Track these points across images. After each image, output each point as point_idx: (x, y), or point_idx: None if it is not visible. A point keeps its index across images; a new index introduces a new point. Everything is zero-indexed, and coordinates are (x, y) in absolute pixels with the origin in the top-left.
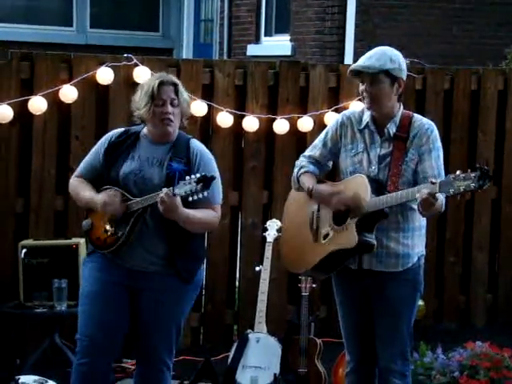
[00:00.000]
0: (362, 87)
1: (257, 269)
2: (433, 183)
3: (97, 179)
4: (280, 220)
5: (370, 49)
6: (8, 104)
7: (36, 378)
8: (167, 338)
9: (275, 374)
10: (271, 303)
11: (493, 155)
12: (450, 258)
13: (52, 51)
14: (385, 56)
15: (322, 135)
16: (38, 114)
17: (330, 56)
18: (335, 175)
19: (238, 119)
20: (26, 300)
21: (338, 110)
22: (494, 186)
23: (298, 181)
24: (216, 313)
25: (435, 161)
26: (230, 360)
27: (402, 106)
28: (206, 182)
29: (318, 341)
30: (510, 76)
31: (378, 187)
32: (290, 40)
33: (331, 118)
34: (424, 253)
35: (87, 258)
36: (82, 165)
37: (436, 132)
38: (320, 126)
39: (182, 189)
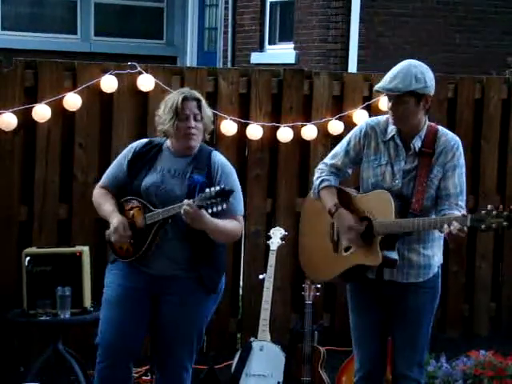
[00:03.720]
0: (389, 104)
1: (260, 277)
2: (464, 216)
3: (121, 189)
4: (284, 228)
5: (373, 57)
6: (12, 112)
7: None
8: (188, 342)
9: (279, 383)
10: (275, 311)
11: (496, 164)
12: (454, 267)
13: (56, 59)
14: (409, 76)
15: (344, 143)
16: (41, 121)
17: (334, 64)
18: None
19: (242, 127)
20: (30, 308)
21: (341, 119)
22: (497, 195)
23: (319, 194)
24: (219, 321)
25: (458, 178)
26: (233, 368)
27: (427, 119)
28: (225, 194)
29: (322, 349)
30: None
31: (403, 204)
32: (294, 48)
33: (335, 127)
34: (442, 261)
35: (111, 265)
36: (106, 176)
37: (461, 148)
38: (324, 134)
39: (201, 201)
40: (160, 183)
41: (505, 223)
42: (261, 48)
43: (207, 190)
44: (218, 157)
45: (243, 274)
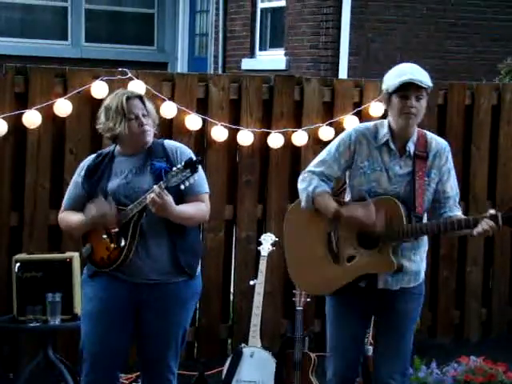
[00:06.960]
0: (405, 102)
1: (251, 283)
2: (493, 216)
3: (83, 208)
4: (274, 234)
5: (364, 63)
6: (2, 118)
7: None
8: (174, 345)
9: None
10: (265, 317)
11: (486, 170)
12: (445, 272)
13: (47, 65)
14: (424, 72)
15: (332, 150)
16: (32, 127)
17: (325, 70)
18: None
19: (233, 133)
20: (20, 314)
21: (332, 125)
22: (487, 200)
23: (313, 201)
24: (210, 327)
25: (454, 180)
26: (224, 374)
27: None
28: (193, 164)
29: (313, 355)
30: (504, 91)
31: (407, 209)
32: (285, 54)
33: (326, 133)
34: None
35: (89, 279)
36: (66, 200)
37: (450, 151)
38: (314, 140)
39: (172, 180)
40: (125, 184)
41: None
42: (252, 54)
43: (174, 168)
44: (172, 142)
45: (234, 280)
